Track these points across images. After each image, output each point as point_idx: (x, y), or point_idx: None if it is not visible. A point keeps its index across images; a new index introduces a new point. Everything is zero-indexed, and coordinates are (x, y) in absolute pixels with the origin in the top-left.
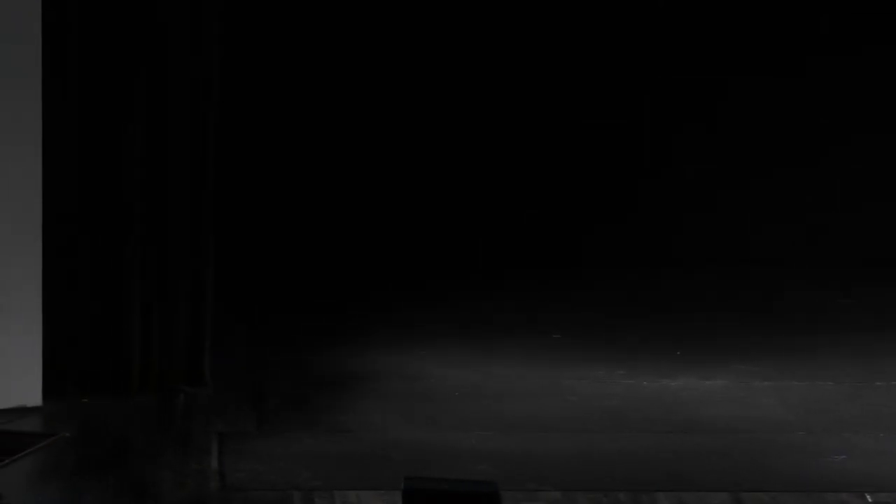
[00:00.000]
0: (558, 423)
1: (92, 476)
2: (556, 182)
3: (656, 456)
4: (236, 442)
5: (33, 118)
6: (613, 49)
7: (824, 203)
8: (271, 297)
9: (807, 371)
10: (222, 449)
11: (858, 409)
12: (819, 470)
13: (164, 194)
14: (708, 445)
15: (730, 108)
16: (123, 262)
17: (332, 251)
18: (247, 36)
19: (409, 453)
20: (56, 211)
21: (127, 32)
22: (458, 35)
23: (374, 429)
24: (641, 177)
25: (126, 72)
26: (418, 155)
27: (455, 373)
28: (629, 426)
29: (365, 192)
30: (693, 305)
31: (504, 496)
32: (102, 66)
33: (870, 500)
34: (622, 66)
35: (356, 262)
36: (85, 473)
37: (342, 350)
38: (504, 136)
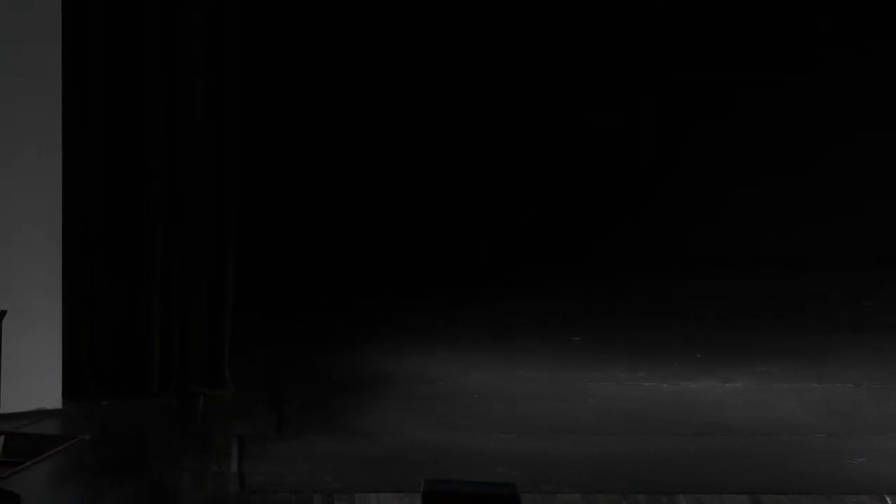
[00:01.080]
0: (578, 425)
1: (111, 478)
2: (571, 183)
3: (676, 458)
4: (256, 444)
5: (54, 120)
6: (617, 47)
7: (840, 201)
8: (292, 299)
9: (826, 373)
10: (242, 451)
11: (878, 411)
12: (838, 472)
13: (184, 197)
14: (727, 448)
15: (741, 106)
16: (143, 264)
17: (353, 254)
18: (259, 43)
19: (428, 455)
20: (77, 212)
21: (145, 37)
22: (460, 37)
23: (394, 431)
24: (656, 175)
25: (145, 79)
26: (433, 158)
27: (475, 375)
28: (649, 428)
29: (384, 195)
30: (709, 306)
31: (523, 498)
32: (122, 71)
33: (889, 502)
34: (627, 64)
35: (376, 265)
36: (104, 476)
37: (362, 352)
38: (518, 137)
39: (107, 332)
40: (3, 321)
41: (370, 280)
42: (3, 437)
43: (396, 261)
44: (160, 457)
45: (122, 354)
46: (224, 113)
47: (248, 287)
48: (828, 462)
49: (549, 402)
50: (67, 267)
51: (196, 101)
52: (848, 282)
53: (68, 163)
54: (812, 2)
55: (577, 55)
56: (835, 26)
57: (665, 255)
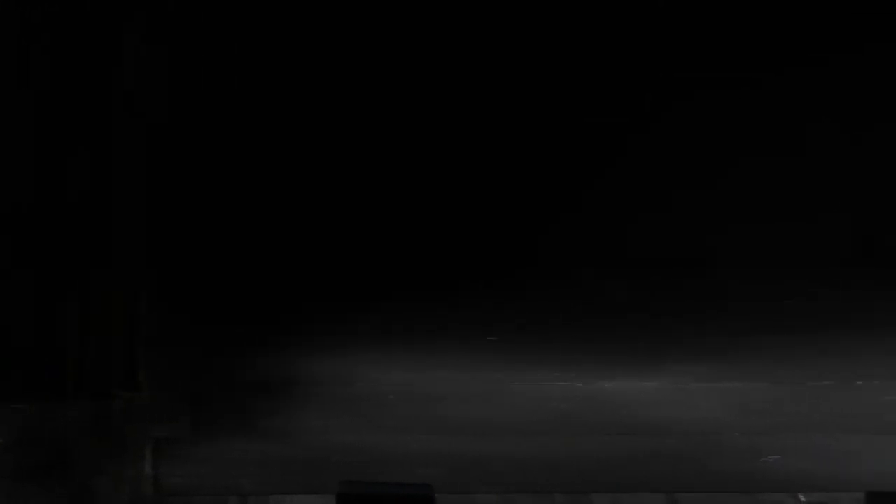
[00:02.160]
0: (497, 425)
1: (27, 483)
2: (499, 186)
3: (594, 458)
4: (173, 447)
5: None
6: (570, 47)
7: (764, 203)
8: (210, 303)
9: (744, 372)
10: (158, 454)
11: (795, 410)
12: (755, 470)
13: (105, 200)
14: (646, 447)
15: (686, 108)
16: (59, 266)
17: (271, 258)
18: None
19: (348, 457)
20: None
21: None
22: (408, 36)
23: (313, 433)
24: (589, 178)
25: (75, 89)
26: (361, 161)
27: (393, 376)
28: (568, 428)
29: (308, 198)
30: (627, 306)
31: (441, 499)
32: (59, 84)
33: (803, 499)
34: (582, 65)
35: (295, 268)
36: (19, 480)
37: (280, 355)
38: (450, 138)
39: (22, 334)
40: None
41: (291, 283)
42: None
43: (316, 264)
44: (76, 460)
45: (39, 357)
46: (147, 109)
47: (168, 292)
48: (745, 460)
49: (469, 403)
50: None
51: (117, 96)
52: (768, 282)
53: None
54: (778, 5)
55: (538, 56)
56: (786, 32)
57: (586, 255)
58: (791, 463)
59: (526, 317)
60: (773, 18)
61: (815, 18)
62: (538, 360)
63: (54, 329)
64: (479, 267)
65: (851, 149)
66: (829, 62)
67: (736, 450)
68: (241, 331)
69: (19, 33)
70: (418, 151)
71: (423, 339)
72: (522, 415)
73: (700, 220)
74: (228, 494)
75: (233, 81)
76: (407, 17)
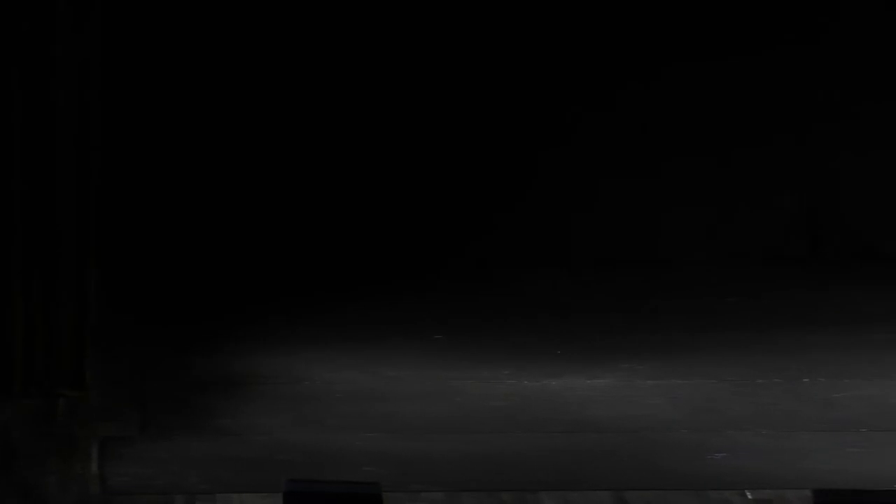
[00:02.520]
0: (444, 424)
1: None
2: (440, 184)
3: (542, 456)
4: (119, 446)
5: None
6: (505, 46)
7: (708, 200)
8: (157, 302)
9: (691, 369)
10: (105, 453)
11: (741, 407)
12: (702, 468)
13: (48, 198)
14: (593, 445)
15: (629, 105)
16: (6, 264)
17: (219, 257)
18: (128, 31)
19: (294, 455)
20: None
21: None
22: (339, 37)
23: (260, 431)
24: (529, 177)
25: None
26: (302, 160)
27: (341, 374)
28: (515, 426)
29: (252, 198)
30: (579, 305)
31: (388, 497)
32: None
33: (750, 497)
34: (512, 58)
35: (241, 268)
36: None
37: (227, 354)
38: (387, 138)
39: None
40: None
41: (237, 282)
42: None
43: (262, 263)
44: (22, 459)
45: None
46: (90, 107)
47: (116, 290)
48: (692, 458)
49: (415, 401)
50: None
51: (59, 97)
52: (712, 280)
53: None
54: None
55: (461, 47)
56: (730, 23)
57: (532, 254)
58: (738, 460)
59: (473, 315)
60: (716, 7)
61: (756, 8)
62: (485, 358)
63: (2, 328)
64: (425, 266)
65: (797, 146)
66: (780, 52)
67: (683, 447)
68: (188, 330)
69: None
70: (364, 150)
71: (370, 337)
72: (470, 413)
73: (646, 219)
74: (175, 493)
75: (172, 78)
76: (343, 12)
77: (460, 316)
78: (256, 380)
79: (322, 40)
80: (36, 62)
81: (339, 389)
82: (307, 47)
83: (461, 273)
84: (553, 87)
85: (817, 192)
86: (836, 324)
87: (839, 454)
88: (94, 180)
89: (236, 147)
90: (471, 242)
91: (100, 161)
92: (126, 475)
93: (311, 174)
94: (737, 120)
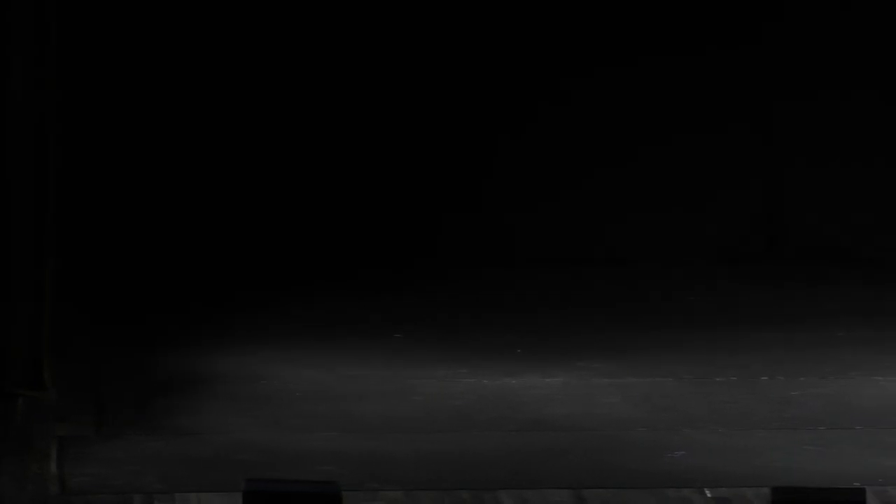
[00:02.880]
0: (403, 422)
1: None
2: (401, 181)
3: (499, 454)
4: (77, 446)
5: None
6: (454, 44)
7: (662, 198)
8: (116, 300)
9: (648, 368)
10: (63, 453)
11: (699, 406)
12: (660, 466)
13: (5, 194)
14: (550, 443)
15: (579, 103)
16: None
17: (177, 256)
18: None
19: (253, 455)
20: None
21: None
22: (297, 34)
23: (219, 431)
24: (484, 176)
25: None
26: (261, 158)
27: (299, 373)
28: (472, 425)
29: (209, 194)
30: (535, 304)
31: (346, 496)
32: None
33: (708, 495)
34: (466, 57)
35: (199, 264)
36: None
37: (186, 352)
38: (342, 138)
39: None
40: None
41: (194, 280)
42: None
43: (221, 262)
44: None
45: None
46: (48, 101)
47: (74, 289)
48: (650, 456)
49: (374, 400)
50: None
51: (16, 91)
52: (670, 278)
53: None
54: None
55: (416, 46)
56: (658, 24)
57: (489, 253)
58: (696, 458)
59: (431, 314)
60: (679, 4)
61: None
62: (443, 357)
63: None
64: (384, 265)
65: (754, 144)
66: (729, 47)
67: (641, 446)
68: (146, 330)
69: None
70: (323, 149)
71: (328, 336)
72: (428, 412)
73: (602, 218)
74: (133, 493)
75: (129, 72)
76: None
77: (418, 315)
78: (215, 379)
79: (279, 33)
80: None
81: (298, 388)
82: (264, 39)
83: (419, 272)
84: (507, 87)
85: (774, 190)
86: (793, 322)
87: (796, 452)
88: (52, 176)
89: (194, 143)
90: (429, 242)
91: (58, 157)
92: (84, 475)
93: (270, 172)
94: (693, 118)
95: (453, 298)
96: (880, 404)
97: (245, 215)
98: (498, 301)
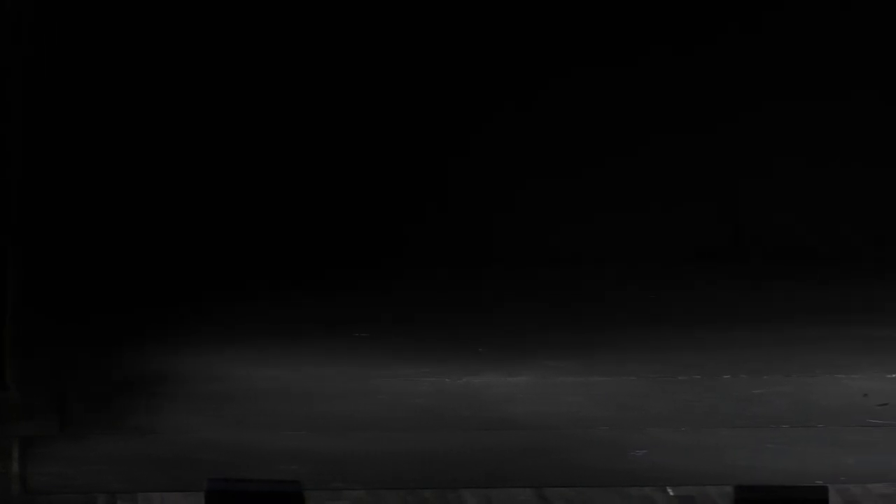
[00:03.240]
0: (366, 422)
1: None
2: (367, 179)
3: (463, 453)
4: (39, 445)
5: None
6: (422, 43)
7: (628, 197)
8: (78, 298)
9: (611, 366)
10: (25, 453)
11: (662, 404)
12: (623, 464)
13: None
14: (514, 442)
15: (539, 103)
16: None
17: (139, 253)
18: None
19: (216, 454)
20: None
21: None
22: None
23: (182, 430)
24: (450, 175)
25: None
26: (220, 155)
27: (264, 372)
28: (436, 424)
29: (169, 195)
30: (499, 303)
31: (310, 495)
32: None
33: (671, 493)
34: (430, 57)
35: (162, 262)
36: None
37: (149, 351)
38: (305, 134)
39: None
40: None
41: (156, 279)
42: None
43: (182, 259)
44: None
45: None
46: (8, 101)
47: (37, 287)
48: (613, 455)
49: (338, 399)
50: None
51: None
52: (632, 276)
53: None
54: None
55: (383, 44)
56: (622, 25)
57: (453, 252)
58: (659, 457)
59: (395, 313)
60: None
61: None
62: (407, 355)
63: None
64: (347, 263)
65: (721, 141)
66: (694, 50)
67: (604, 444)
68: (108, 328)
69: None
70: (284, 145)
71: (291, 334)
72: (391, 410)
73: (566, 217)
74: (97, 492)
75: (90, 73)
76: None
77: (382, 313)
78: (178, 378)
79: (244, 26)
80: None
81: (261, 387)
82: (225, 32)
83: (383, 271)
84: (473, 87)
85: (739, 187)
86: (757, 320)
87: (760, 450)
88: (13, 176)
89: (156, 140)
90: (393, 241)
91: (20, 157)
92: (46, 474)
93: (229, 170)
94: (659, 115)
95: (417, 298)
96: (843, 402)
97: (208, 214)
98: (462, 300)
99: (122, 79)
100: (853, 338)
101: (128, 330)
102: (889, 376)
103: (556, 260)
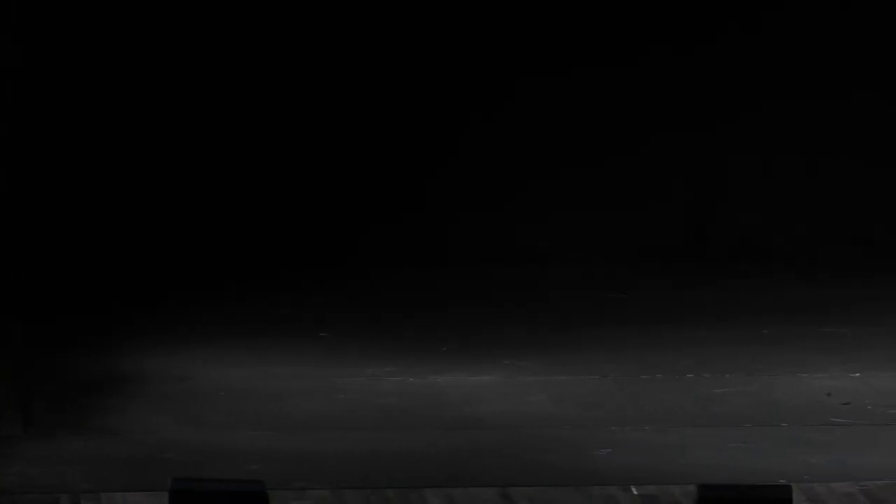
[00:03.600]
0: (328, 421)
1: None
2: (331, 180)
3: (426, 453)
4: (3, 446)
5: None
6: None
7: (595, 198)
8: (41, 298)
9: (574, 366)
10: None
11: (624, 403)
12: (587, 464)
13: None
14: (477, 441)
15: (505, 101)
16: None
17: (102, 253)
18: None
19: (179, 454)
20: None
21: None
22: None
23: (145, 430)
24: (410, 175)
25: None
26: (187, 155)
27: (226, 372)
28: (399, 423)
29: (134, 195)
30: (462, 303)
31: (273, 495)
32: None
33: (635, 492)
34: (395, 58)
35: (125, 265)
36: None
37: (112, 351)
38: (270, 134)
39: None
40: None
41: (119, 279)
42: None
43: (144, 259)
44: None
45: None
46: None
47: (6, 287)
48: (576, 454)
49: (299, 399)
50: None
51: None
52: (596, 276)
53: None
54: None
55: (359, 47)
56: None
57: (415, 252)
58: (622, 456)
59: (357, 313)
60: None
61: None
62: (369, 355)
63: None
64: (309, 263)
65: (682, 141)
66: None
67: (567, 444)
68: (72, 328)
69: None
70: (250, 145)
71: (253, 334)
72: (354, 410)
73: (528, 216)
74: (60, 492)
75: (55, 73)
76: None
77: (345, 313)
78: (141, 378)
79: (204, 25)
80: None
81: (224, 387)
82: (178, 32)
83: (345, 271)
84: (433, 91)
85: (702, 187)
86: (719, 319)
87: (722, 449)
88: None
89: (117, 136)
90: (354, 241)
91: None
92: (10, 474)
93: (195, 170)
94: (620, 115)
95: (380, 297)
96: (806, 401)
97: (170, 215)
98: (424, 300)
99: (91, 77)
100: (816, 337)
101: (91, 330)
102: (852, 375)
103: (519, 260)
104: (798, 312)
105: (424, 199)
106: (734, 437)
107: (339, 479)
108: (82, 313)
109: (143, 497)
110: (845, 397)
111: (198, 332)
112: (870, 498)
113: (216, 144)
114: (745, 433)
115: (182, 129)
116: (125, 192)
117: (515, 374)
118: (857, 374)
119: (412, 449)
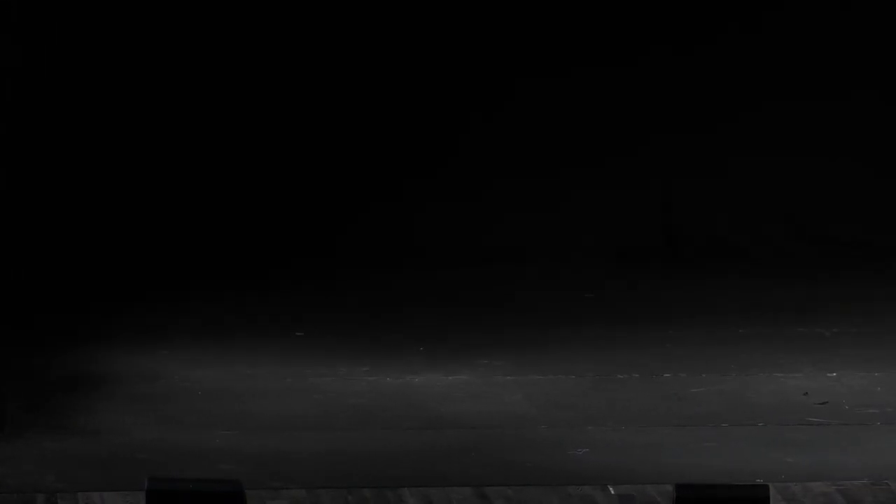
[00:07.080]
0: (303, 420)
1: None
2: (302, 179)
3: (401, 452)
4: None
5: None
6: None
7: (566, 197)
8: (13, 298)
9: (549, 365)
10: None
11: (600, 402)
12: (563, 463)
13: None
14: (453, 441)
15: (480, 101)
16: None
17: (75, 254)
18: None
19: (153, 454)
20: None
21: None
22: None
23: (119, 430)
24: (383, 174)
25: None
26: (166, 150)
27: (199, 372)
28: (374, 423)
29: (107, 195)
30: (436, 302)
31: (249, 495)
32: None
33: (612, 492)
34: (384, 57)
35: (97, 265)
36: None
37: (85, 351)
38: (242, 133)
39: None
40: None
41: (91, 279)
42: None
43: (115, 259)
44: None
45: None
46: None
47: None
48: (552, 453)
49: (274, 399)
50: None
51: None
52: (570, 276)
53: None
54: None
55: (345, 45)
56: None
57: (389, 251)
58: (598, 456)
59: (332, 312)
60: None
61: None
62: (344, 354)
63: None
64: (284, 262)
65: (651, 140)
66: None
67: (543, 443)
68: (44, 328)
69: None
70: (222, 145)
71: (228, 334)
72: (329, 409)
73: (500, 216)
74: (35, 492)
75: (44, 74)
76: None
77: (319, 313)
78: (113, 378)
79: (189, 25)
80: None
81: (197, 387)
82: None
83: (320, 270)
84: (408, 92)
85: (672, 186)
86: (693, 319)
87: (697, 449)
88: None
89: (93, 139)
90: (329, 239)
91: None
92: None
93: (168, 171)
94: (591, 115)
95: (354, 297)
96: (780, 400)
97: (142, 215)
98: (398, 300)
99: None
100: (792, 337)
101: (63, 330)
102: (828, 375)
103: (491, 259)
104: (774, 312)
105: (397, 198)
106: (711, 436)
107: (314, 478)
108: (56, 313)
109: (119, 497)
110: (822, 397)
111: (170, 331)
112: (847, 497)
113: (197, 147)
114: (721, 433)
115: (176, 130)
116: (103, 194)
117: (491, 373)
118: (834, 374)
119: (388, 448)
